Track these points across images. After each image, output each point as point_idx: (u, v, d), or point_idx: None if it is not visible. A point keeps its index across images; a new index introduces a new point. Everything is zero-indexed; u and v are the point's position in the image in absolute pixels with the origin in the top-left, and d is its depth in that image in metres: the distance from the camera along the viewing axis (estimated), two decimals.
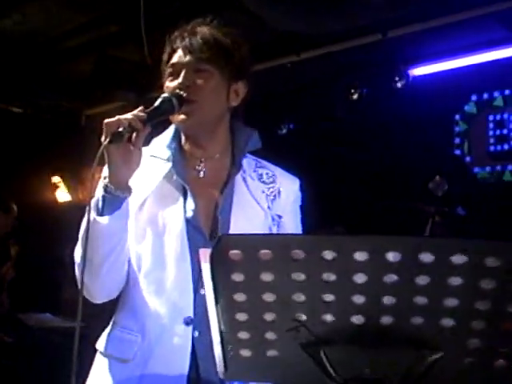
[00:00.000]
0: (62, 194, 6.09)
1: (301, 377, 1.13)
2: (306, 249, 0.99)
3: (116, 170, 1.45)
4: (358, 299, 1.03)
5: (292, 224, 1.67)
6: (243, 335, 1.10)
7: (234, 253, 1.00)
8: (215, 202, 1.60)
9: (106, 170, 1.47)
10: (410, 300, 1.02)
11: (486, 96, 4.91)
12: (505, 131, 4.77)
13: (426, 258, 0.98)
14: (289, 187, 1.68)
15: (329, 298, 1.04)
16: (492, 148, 4.85)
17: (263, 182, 1.65)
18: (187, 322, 1.51)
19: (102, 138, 1.41)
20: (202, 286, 1.44)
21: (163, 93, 1.58)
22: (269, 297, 1.05)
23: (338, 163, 4.76)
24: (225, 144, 1.67)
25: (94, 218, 1.43)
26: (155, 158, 1.63)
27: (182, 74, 1.56)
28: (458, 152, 5.04)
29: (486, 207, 4.51)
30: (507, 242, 0.97)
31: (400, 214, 3.90)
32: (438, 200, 3.94)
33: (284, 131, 5.04)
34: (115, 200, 1.46)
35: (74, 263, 1.55)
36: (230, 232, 1.55)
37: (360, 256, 0.98)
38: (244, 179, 1.64)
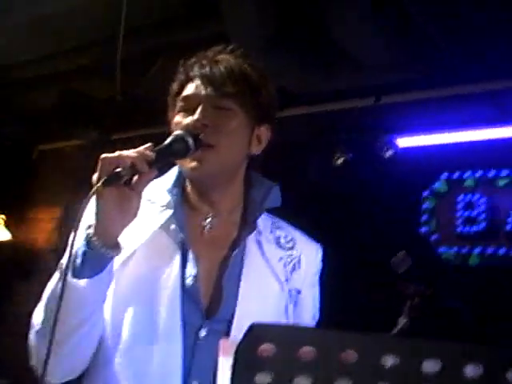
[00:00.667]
0: (2, 232, 5.64)
1: None
2: (362, 351, 0.73)
3: (106, 219, 1.14)
4: None
5: (310, 300, 1.41)
6: None
7: (267, 348, 0.73)
8: (220, 267, 1.30)
9: (90, 218, 1.15)
10: None
11: (457, 175, 4.85)
12: (474, 213, 4.69)
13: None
14: (311, 256, 1.42)
15: None
16: (459, 229, 4.74)
17: (281, 246, 1.37)
18: None
19: (94, 177, 1.11)
20: (194, 378, 1.17)
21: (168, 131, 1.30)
22: None
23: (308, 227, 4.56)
24: (238, 198, 1.39)
25: (68, 281, 1.10)
26: (151, 202, 1.31)
27: (199, 110, 1.28)
28: (424, 229, 4.91)
29: (449, 289, 4.36)
30: None
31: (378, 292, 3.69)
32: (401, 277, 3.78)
33: None
34: (99, 259, 1.14)
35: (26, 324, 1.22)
36: (238, 308, 1.24)
37: (430, 367, 0.73)
38: (259, 242, 1.35)
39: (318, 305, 1.46)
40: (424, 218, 4.92)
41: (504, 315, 3.93)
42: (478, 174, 4.75)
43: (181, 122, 1.31)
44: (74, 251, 1.12)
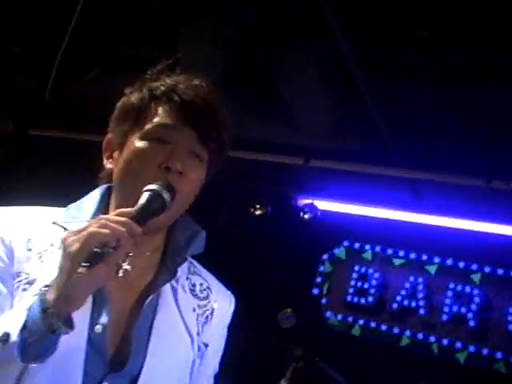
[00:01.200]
0: None
1: None
2: None
3: (73, 294, 0.99)
4: None
5: (215, 354, 1.32)
6: None
7: None
8: (131, 313, 1.18)
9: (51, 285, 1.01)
10: None
11: (357, 245, 4.99)
12: (366, 285, 4.83)
13: None
14: (224, 308, 1.33)
15: None
16: (349, 298, 4.86)
17: (196, 295, 1.28)
18: None
19: (67, 254, 0.97)
20: None
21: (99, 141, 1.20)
22: None
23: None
24: (162, 239, 1.26)
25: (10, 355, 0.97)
26: (62, 228, 1.17)
27: (180, 157, 1.17)
28: (315, 291, 5.00)
29: (329, 354, 4.44)
30: None
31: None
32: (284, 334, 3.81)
33: None
34: (54, 339, 1.00)
35: None
36: (146, 364, 1.15)
37: None
38: (174, 289, 1.24)
39: (217, 361, 1.36)
40: (318, 280, 5.02)
41: None
42: (378, 248, 4.92)
43: (148, 154, 1.17)
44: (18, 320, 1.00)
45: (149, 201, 1.10)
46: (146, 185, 1.12)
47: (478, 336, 4.35)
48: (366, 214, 4.55)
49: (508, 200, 3.72)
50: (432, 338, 4.48)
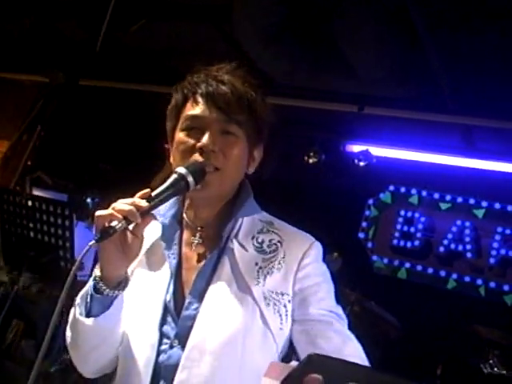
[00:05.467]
0: None
1: None
2: None
3: (108, 265, 1.26)
4: None
5: (311, 298, 1.37)
6: None
7: (313, 378, 0.76)
8: (198, 273, 1.39)
9: (97, 268, 1.29)
10: None
11: (403, 190, 5.01)
12: (412, 229, 4.87)
13: None
14: (296, 254, 1.39)
15: None
16: (395, 242, 4.91)
17: (261, 251, 1.39)
18: None
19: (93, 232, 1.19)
20: (162, 378, 1.32)
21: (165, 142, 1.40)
22: None
23: None
24: (227, 213, 1.44)
25: (77, 317, 1.29)
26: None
27: (208, 136, 1.33)
28: (362, 235, 5.06)
29: (375, 296, 4.52)
30: None
31: None
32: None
33: None
34: (103, 300, 1.29)
35: None
36: (202, 312, 1.34)
37: None
38: (234, 249, 1.38)
39: (327, 299, 1.40)
40: (364, 224, 5.07)
41: (423, 331, 4.12)
42: (424, 193, 4.93)
43: (186, 141, 1.36)
44: (84, 292, 1.30)
45: (172, 183, 1.27)
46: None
47: None
48: (416, 160, 4.53)
49: None
50: (479, 281, 4.53)
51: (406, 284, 4.80)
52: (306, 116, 3.70)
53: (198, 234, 1.41)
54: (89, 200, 4.31)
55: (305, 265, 1.40)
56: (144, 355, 1.34)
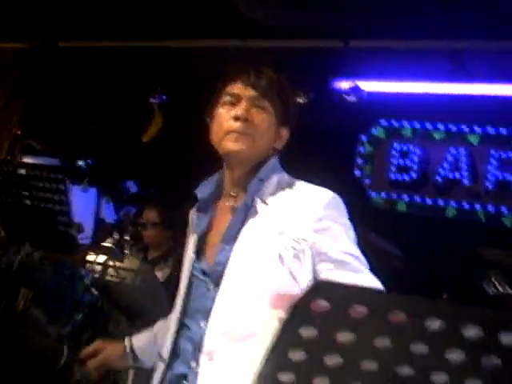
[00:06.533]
0: None
1: None
2: (409, 312, 0.77)
3: None
4: (440, 379, 0.83)
5: (328, 243, 1.51)
6: None
7: (319, 304, 0.75)
8: (228, 225, 1.62)
9: None
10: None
11: (395, 123, 4.98)
12: (408, 162, 4.87)
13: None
14: (313, 205, 1.54)
15: (406, 371, 0.83)
16: (392, 176, 4.92)
17: (283, 206, 1.57)
18: (161, 358, 1.61)
19: None
20: (183, 328, 1.59)
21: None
22: (332, 360, 0.82)
23: None
24: (254, 174, 1.65)
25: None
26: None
27: (243, 106, 1.59)
28: (358, 173, 5.06)
29: (377, 232, 4.55)
30: None
31: None
32: None
33: None
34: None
35: None
36: (232, 255, 1.55)
37: (470, 331, 0.78)
38: (257, 205, 1.59)
39: (346, 246, 1.53)
40: (359, 161, 5.07)
41: (426, 260, 4.17)
42: (417, 124, 4.91)
43: (223, 113, 1.61)
44: None
45: None
46: (226, 134, 1.59)
47: None
48: (406, 91, 4.48)
49: None
50: (477, 207, 4.56)
51: (406, 216, 4.83)
52: (292, 57, 3.63)
53: (231, 198, 1.64)
54: (81, 162, 4.29)
55: (323, 215, 1.53)
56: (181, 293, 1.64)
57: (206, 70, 3.54)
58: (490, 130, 4.61)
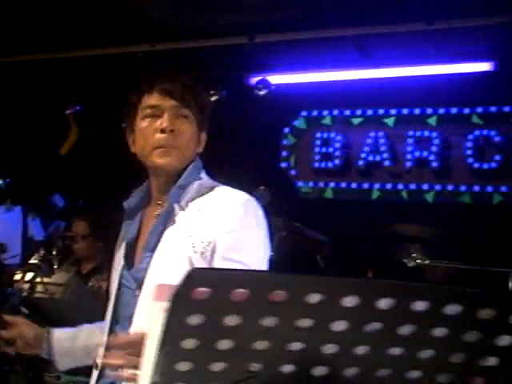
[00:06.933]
0: None
1: None
2: (289, 290, 0.81)
3: None
4: (329, 349, 0.88)
5: (229, 246, 1.56)
6: None
7: (200, 291, 0.78)
8: (151, 230, 1.66)
9: None
10: (383, 350, 0.90)
11: (315, 113, 5.09)
12: (330, 150, 4.98)
13: (415, 305, 0.86)
14: (228, 211, 1.59)
15: (296, 346, 0.87)
16: (316, 164, 5.02)
17: (199, 211, 1.61)
18: (96, 366, 1.61)
19: None
20: (120, 322, 1.62)
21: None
22: (225, 344, 0.85)
23: None
24: (176, 181, 1.69)
25: None
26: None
27: (166, 117, 1.60)
28: (284, 165, 5.14)
29: (307, 221, 4.64)
30: (500, 293, 0.89)
31: None
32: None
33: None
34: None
35: None
36: (153, 259, 1.60)
37: (348, 301, 0.83)
38: (175, 211, 1.63)
39: (234, 243, 1.58)
40: (283, 153, 5.15)
41: (353, 243, 4.28)
42: (335, 112, 5.02)
43: (148, 126, 1.62)
44: None
45: None
46: (154, 148, 1.61)
47: (441, 175, 4.58)
48: (318, 80, 4.59)
49: (451, 39, 3.78)
50: (400, 186, 4.71)
51: (333, 203, 4.94)
52: (199, 55, 3.66)
53: (158, 206, 1.68)
54: (1, 182, 4.17)
55: (231, 219, 1.57)
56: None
57: (118, 77, 3.54)
58: (405, 111, 4.78)
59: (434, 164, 4.58)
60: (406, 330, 0.88)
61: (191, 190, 1.65)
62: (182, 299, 0.79)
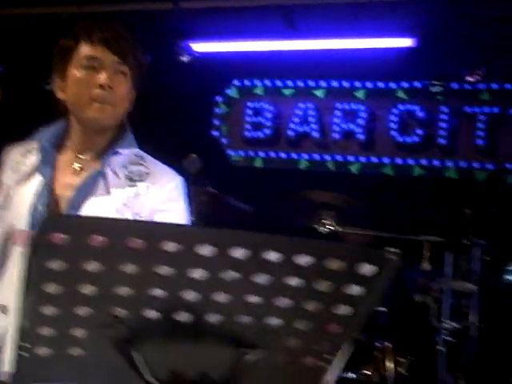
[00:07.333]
0: None
1: (109, 377, 1.00)
2: (146, 238, 0.86)
3: None
4: (189, 295, 0.94)
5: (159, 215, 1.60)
6: (45, 331, 0.93)
7: (59, 236, 0.82)
8: (75, 191, 1.60)
9: None
10: (242, 298, 0.96)
11: (247, 83, 5.12)
12: (261, 119, 5.04)
13: (271, 256, 0.92)
14: (162, 186, 1.63)
15: (157, 292, 0.92)
16: (247, 134, 5.08)
17: (130, 179, 1.63)
18: (2, 310, 1.51)
19: None
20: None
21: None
22: (87, 289, 0.90)
23: None
24: (110, 138, 1.67)
25: None
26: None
27: (107, 73, 1.58)
28: (215, 133, 5.17)
29: (236, 189, 4.70)
30: (349, 246, 0.96)
31: None
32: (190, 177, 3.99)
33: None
34: None
35: None
36: None
37: (204, 250, 0.89)
38: (104, 174, 1.61)
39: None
40: (215, 122, 5.18)
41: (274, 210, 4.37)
42: (267, 82, 5.08)
43: (84, 78, 1.57)
44: None
45: None
46: (91, 102, 1.57)
47: (366, 147, 4.72)
48: (244, 50, 4.61)
49: (375, 13, 3.86)
50: (327, 157, 4.83)
51: (262, 172, 5.02)
52: (124, 20, 3.61)
53: (79, 160, 1.63)
54: None
55: (166, 198, 1.63)
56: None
57: (42, 38, 3.45)
58: (334, 84, 4.87)
59: (360, 136, 4.71)
60: (261, 278, 0.94)
61: (125, 156, 1.66)
62: (40, 244, 0.83)
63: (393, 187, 4.53)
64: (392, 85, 4.69)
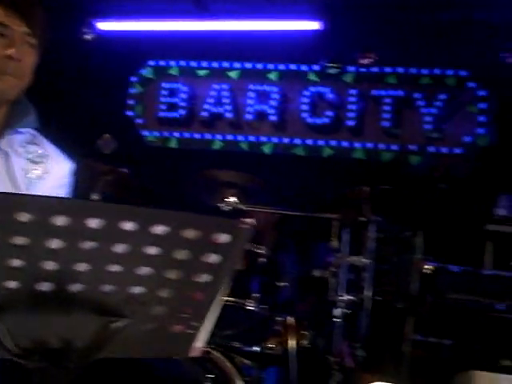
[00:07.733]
0: None
1: None
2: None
3: None
4: (49, 265, 0.97)
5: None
6: None
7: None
8: None
9: None
10: (103, 267, 1.00)
11: (162, 63, 5.10)
12: (176, 100, 5.04)
13: (127, 226, 0.96)
14: (58, 171, 1.64)
15: (16, 263, 0.95)
16: (162, 114, 5.07)
17: (29, 159, 1.61)
18: None
19: None
20: None
21: None
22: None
23: None
24: (6, 112, 1.59)
25: None
26: None
27: (16, 44, 1.48)
28: (130, 113, 5.13)
29: (150, 169, 4.70)
30: (204, 216, 1.02)
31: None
32: (105, 158, 3.96)
33: None
34: None
35: None
36: None
37: (59, 221, 0.92)
38: (6, 153, 1.57)
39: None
40: (130, 102, 5.13)
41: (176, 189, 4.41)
42: (183, 63, 5.07)
43: None
44: None
45: None
46: None
47: (278, 128, 4.82)
48: (159, 30, 4.60)
49: None
50: (240, 137, 4.90)
51: (177, 152, 5.04)
52: None
53: None
54: None
55: (59, 184, 1.65)
56: None
57: None
58: (248, 65, 4.93)
59: (273, 117, 4.80)
60: (119, 248, 0.98)
61: (27, 137, 1.63)
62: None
63: (304, 167, 4.65)
64: (304, 67, 4.79)
